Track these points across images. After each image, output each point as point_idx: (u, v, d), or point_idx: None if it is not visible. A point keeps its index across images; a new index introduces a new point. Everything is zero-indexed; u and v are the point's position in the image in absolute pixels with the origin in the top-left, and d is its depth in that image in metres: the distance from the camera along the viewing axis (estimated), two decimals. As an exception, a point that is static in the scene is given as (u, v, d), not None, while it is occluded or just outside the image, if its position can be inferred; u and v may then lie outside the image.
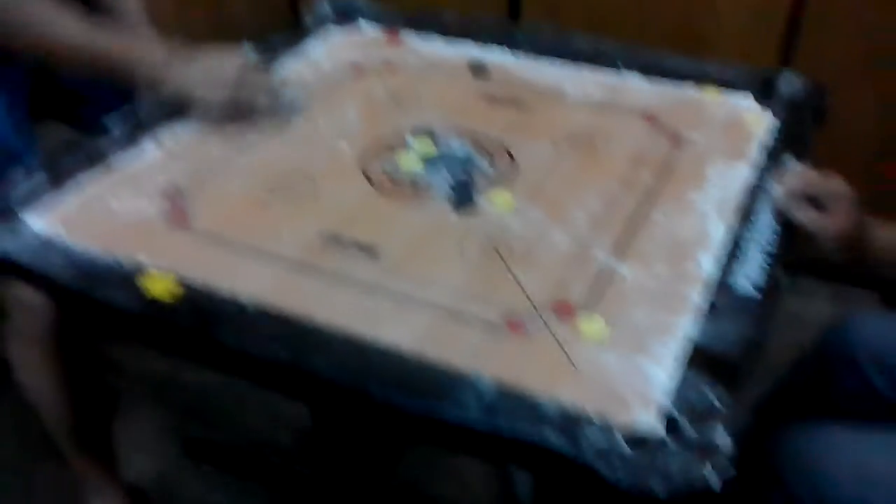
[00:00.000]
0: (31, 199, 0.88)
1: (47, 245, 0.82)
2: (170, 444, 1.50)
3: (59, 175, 0.91)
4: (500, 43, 1.24)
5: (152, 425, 1.54)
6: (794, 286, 0.80)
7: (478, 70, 1.19)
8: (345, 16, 1.33)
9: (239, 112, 1.02)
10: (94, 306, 0.78)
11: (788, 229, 0.85)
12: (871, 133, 1.66)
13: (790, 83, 1.11)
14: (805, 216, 0.85)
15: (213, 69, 1.02)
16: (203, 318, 0.73)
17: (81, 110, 1.30)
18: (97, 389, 1.27)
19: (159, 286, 0.76)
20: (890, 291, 1.75)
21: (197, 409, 1.57)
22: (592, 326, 0.72)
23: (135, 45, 1.06)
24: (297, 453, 1.47)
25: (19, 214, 0.85)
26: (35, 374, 1.17)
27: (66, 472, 1.31)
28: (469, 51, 1.24)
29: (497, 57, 1.22)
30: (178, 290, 0.76)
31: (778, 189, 0.87)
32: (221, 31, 1.36)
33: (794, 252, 0.85)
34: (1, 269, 0.83)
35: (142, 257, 0.80)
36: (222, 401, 1.55)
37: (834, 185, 0.85)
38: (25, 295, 1.07)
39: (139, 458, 1.46)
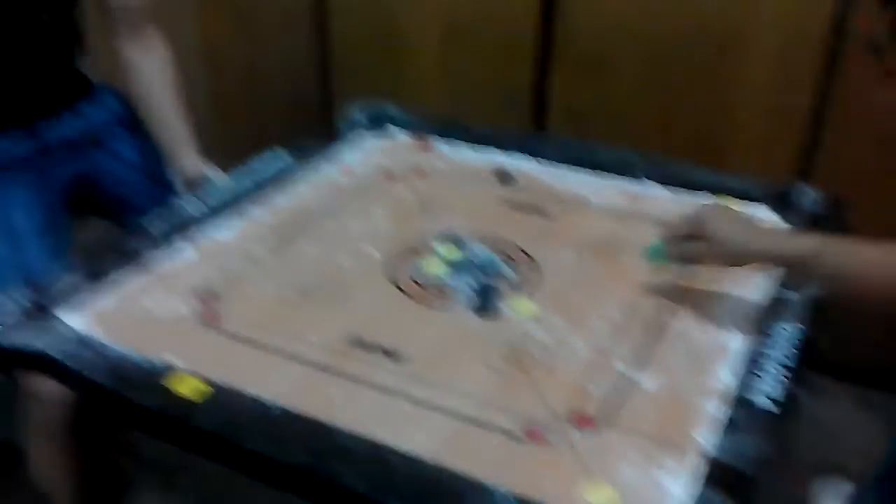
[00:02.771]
0: (66, 296, 0.91)
1: (81, 342, 0.85)
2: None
3: (95, 273, 0.95)
4: (524, 152, 1.29)
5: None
6: (816, 389, 0.80)
7: (504, 178, 1.23)
8: (376, 121, 1.39)
9: None
10: (122, 404, 0.80)
11: (808, 344, 0.86)
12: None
13: (805, 195, 1.14)
14: (686, 252, 0.88)
15: None
16: (227, 420, 0.75)
17: (119, 208, 1.35)
18: (108, 475, 1.28)
19: (187, 386, 0.78)
20: None
21: (210, 498, 1.56)
22: (600, 495, 0.68)
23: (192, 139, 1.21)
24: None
25: (55, 311, 0.89)
26: (48, 466, 1.19)
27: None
28: (495, 159, 1.28)
29: (522, 165, 1.26)
30: (205, 391, 0.78)
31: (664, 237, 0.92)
32: (258, 137, 1.42)
33: (816, 356, 0.85)
34: (35, 364, 0.86)
35: (172, 357, 0.83)
36: (235, 490, 1.54)
37: (697, 215, 0.88)
38: (45, 389, 1.09)
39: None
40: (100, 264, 0.97)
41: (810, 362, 0.84)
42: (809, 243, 0.81)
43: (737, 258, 0.86)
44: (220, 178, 1.26)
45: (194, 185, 1.27)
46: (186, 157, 1.29)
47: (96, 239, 1.37)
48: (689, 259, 0.90)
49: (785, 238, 0.85)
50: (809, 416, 0.78)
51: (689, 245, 0.89)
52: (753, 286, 0.96)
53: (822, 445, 1.62)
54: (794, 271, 0.83)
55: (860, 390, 1.79)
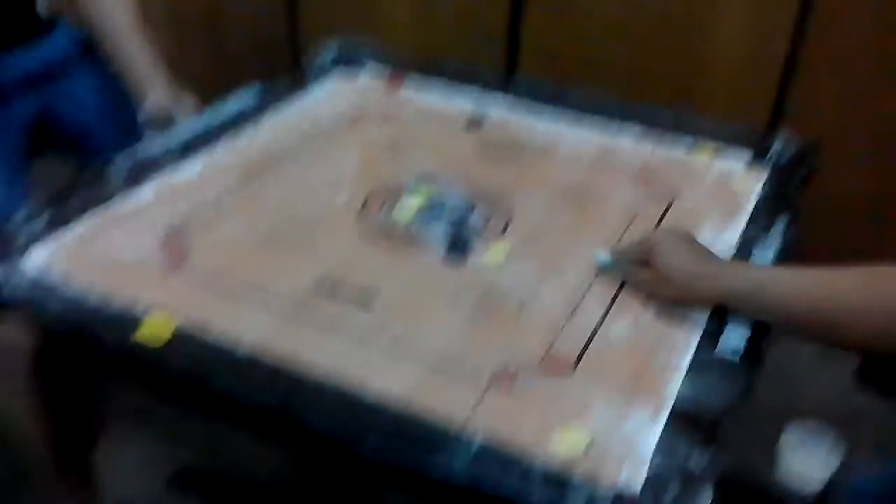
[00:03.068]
0: (26, 236, 0.89)
1: (44, 285, 0.83)
2: (156, 473, 1.49)
3: (55, 213, 0.93)
4: (497, 94, 1.27)
5: (137, 455, 1.53)
6: (779, 338, 0.80)
7: (476, 122, 1.21)
8: (347, 61, 1.35)
9: None
10: (87, 346, 0.79)
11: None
12: (863, 186, 1.68)
13: (783, 143, 1.14)
14: (632, 279, 0.86)
15: None
16: (194, 364, 0.74)
17: (79, 146, 1.31)
18: (80, 419, 1.26)
19: (152, 329, 0.77)
20: (866, 364, 1.75)
21: (184, 440, 1.56)
22: (573, 436, 0.69)
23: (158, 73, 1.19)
24: (282, 486, 1.47)
25: (14, 252, 0.86)
26: (14, 409, 1.17)
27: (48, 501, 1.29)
28: (467, 102, 1.26)
29: (495, 109, 1.24)
30: (171, 334, 0.77)
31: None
32: (223, 78, 1.38)
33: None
34: (-3, 307, 0.84)
35: (136, 299, 0.81)
36: (210, 430, 1.54)
37: (649, 242, 0.85)
38: (5, 333, 1.07)
39: (124, 487, 1.44)
40: (60, 204, 0.94)
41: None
42: (751, 278, 0.80)
43: (678, 295, 0.82)
44: (193, 109, 1.22)
45: (164, 119, 1.23)
46: (153, 92, 1.25)
47: (56, 178, 1.34)
48: (634, 286, 0.86)
49: (729, 276, 0.81)
50: (773, 365, 0.79)
51: (635, 272, 0.86)
52: (724, 237, 0.96)
53: (786, 393, 1.65)
54: (735, 308, 0.81)
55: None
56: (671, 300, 0.83)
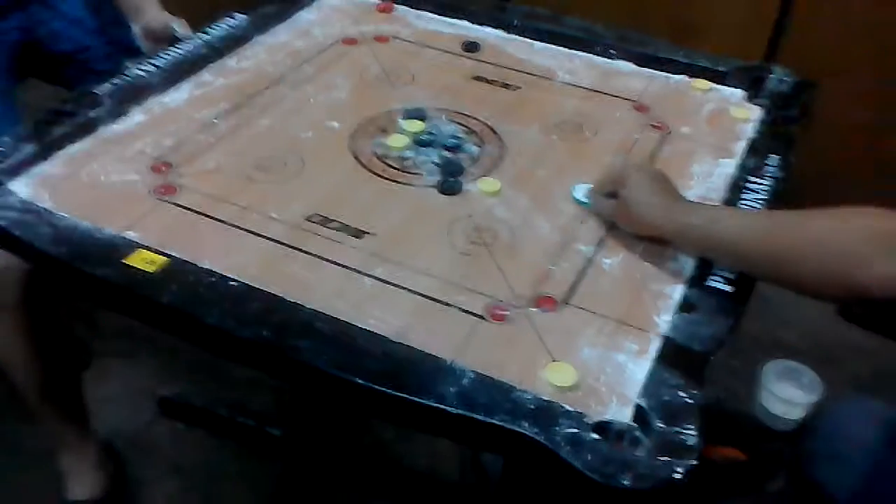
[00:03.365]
0: (17, 166, 0.87)
1: (32, 212, 0.82)
2: (144, 401, 1.51)
3: (46, 144, 0.91)
4: (492, 22, 1.24)
5: (126, 382, 1.55)
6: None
7: (470, 48, 1.18)
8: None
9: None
10: (75, 276, 0.78)
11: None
12: (863, 120, 1.67)
13: (779, 78, 1.12)
14: (599, 209, 0.87)
15: None
16: (185, 295, 0.74)
17: (66, 70, 1.28)
18: (67, 347, 1.26)
19: (142, 258, 0.76)
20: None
21: (172, 368, 1.58)
22: (563, 369, 0.69)
23: None
24: (272, 414, 1.49)
25: (4, 182, 0.85)
26: (3, 340, 1.17)
27: (38, 429, 1.31)
28: (461, 27, 1.24)
29: (489, 37, 1.22)
30: (161, 263, 0.76)
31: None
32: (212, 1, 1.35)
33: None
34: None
35: (126, 227, 0.80)
36: (198, 359, 1.56)
37: (620, 173, 0.85)
38: None
39: (113, 415, 1.46)
40: (49, 128, 0.93)
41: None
42: (706, 214, 0.79)
43: (638, 228, 0.83)
44: (186, 33, 1.19)
45: (163, 33, 1.21)
46: (149, 11, 1.22)
47: (43, 103, 1.31)
48: (603, 216, 0.86)
49: (686, 211, 0.80)
50: (758, 296, 0.80)
51: (602, 202, 0.86)
52: (719, 170, 0.96)
53: (770, 325, 1.68)
54: (689, 243, 0.81)
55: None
56: (633, 233, 0.83)
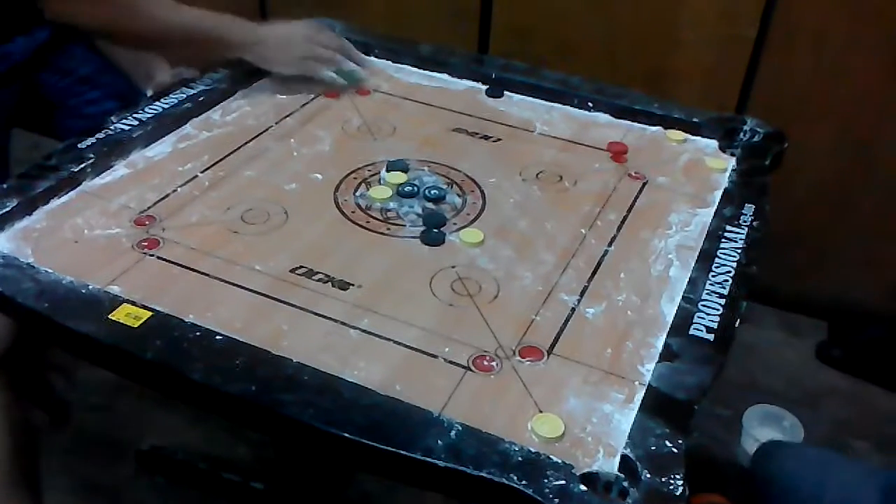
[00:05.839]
0: (1, 218, 0.87)
1: (14, 267, 0.81)
2: (123, 454, 1.48)
3: (29, 198, 0.91)
4: (472, 74, 1.26)
5: (104, 434, 1.52)
6: (745, 314, 0.82)
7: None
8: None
9: (309, 68, 1.17)
10: (59, 331, 0.78)
11: (745, 276, 0.88)
12: (827, 167, 1.71)
13: (752, 129, 1.15)
14: None
15: (287, 31, 1.17)
16: (170, 350, 0.73)
17: (56, 119, 1.29)
18: (44, 399, 1.23)
19: (127, 314, 0.76)
20: (837, 324, 1.81)
21: (152, 420, 1.55)
22: (548, 425, 0.69)
23: (216, 15, 1.15)
24: (254, 467, 1.47)
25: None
26: None
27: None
28: (441, 81, 1.26)
29: (467, 88, 1.24)
30: (144, 318, 0.76)
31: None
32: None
33: (752, 286, 0.87)
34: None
35: (111, 283, 0.80)
36: (179, 412, 1.54)
37: None
38: None
39: (91, 467, 1.44)
40: (30, 184, 0.93)
41: (748, 292, 0.86)
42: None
43: None
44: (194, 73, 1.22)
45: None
46: (160, 74, 1.25)
47: (24, 154, 1.31)
48: None
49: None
50: (738, 340, 0.81)
51: None
52: (696, 219, 0.98)
53: (750, 368, 1.69)
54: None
55: (785, 315, 1.86)
56: None
